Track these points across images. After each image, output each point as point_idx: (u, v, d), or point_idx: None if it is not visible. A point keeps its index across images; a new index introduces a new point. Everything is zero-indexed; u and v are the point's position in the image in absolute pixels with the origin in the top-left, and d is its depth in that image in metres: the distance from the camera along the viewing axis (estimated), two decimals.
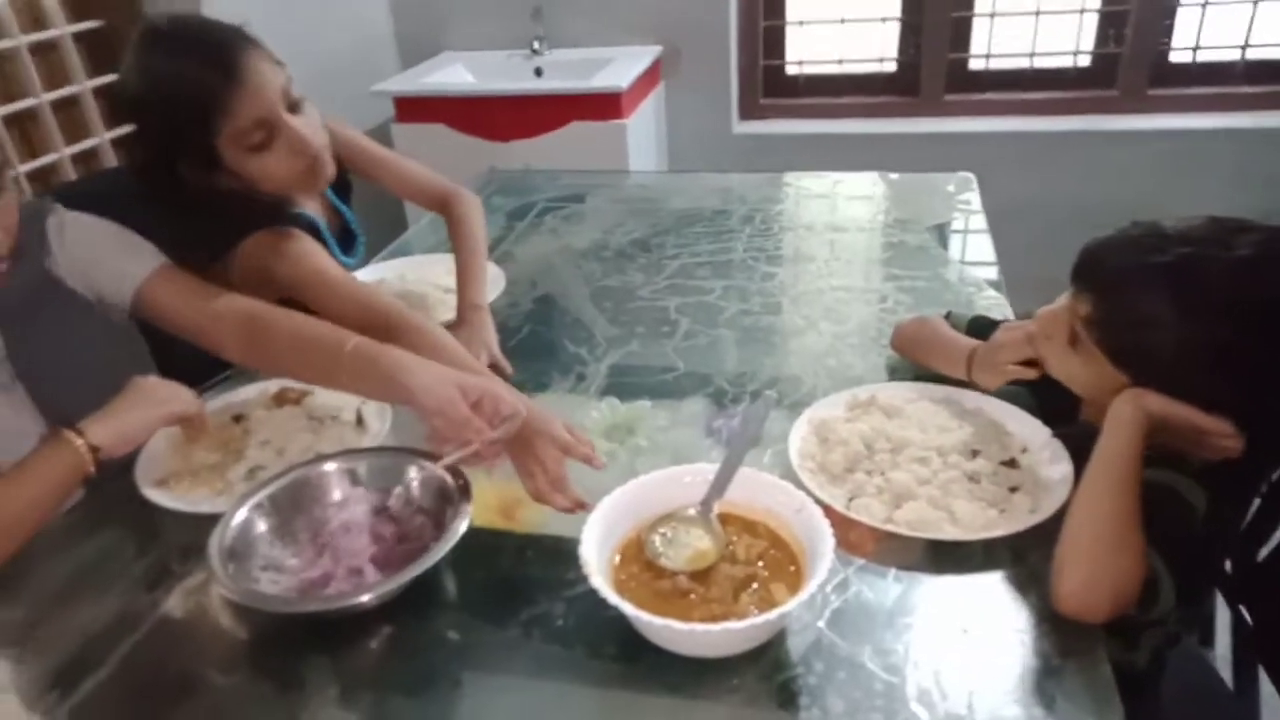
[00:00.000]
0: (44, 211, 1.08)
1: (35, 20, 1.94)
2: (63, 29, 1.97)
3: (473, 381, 0.85)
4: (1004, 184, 2.07)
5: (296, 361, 1.00)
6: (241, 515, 0.86)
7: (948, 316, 1.14)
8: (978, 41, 2.73)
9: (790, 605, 0.70)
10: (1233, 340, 0.78)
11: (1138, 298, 0.81)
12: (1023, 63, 2.72)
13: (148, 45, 1.07)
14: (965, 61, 2.77)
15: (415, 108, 2.53)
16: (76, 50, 2.00)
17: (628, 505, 0.83)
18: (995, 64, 2.76)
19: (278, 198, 1.19)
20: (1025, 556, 0.81)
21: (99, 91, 2.06)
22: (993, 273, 1.41)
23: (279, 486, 0.90)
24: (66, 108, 2.01)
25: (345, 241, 1.41)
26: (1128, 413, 0.80)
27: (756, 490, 0.84)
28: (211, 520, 0.85)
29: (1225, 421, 0.79)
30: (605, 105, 2.39)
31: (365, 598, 0.77)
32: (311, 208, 1.33)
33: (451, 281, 1.34)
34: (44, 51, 1.95)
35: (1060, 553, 0.76)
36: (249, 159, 1.10)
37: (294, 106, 1.12)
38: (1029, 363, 0.96)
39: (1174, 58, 2.60)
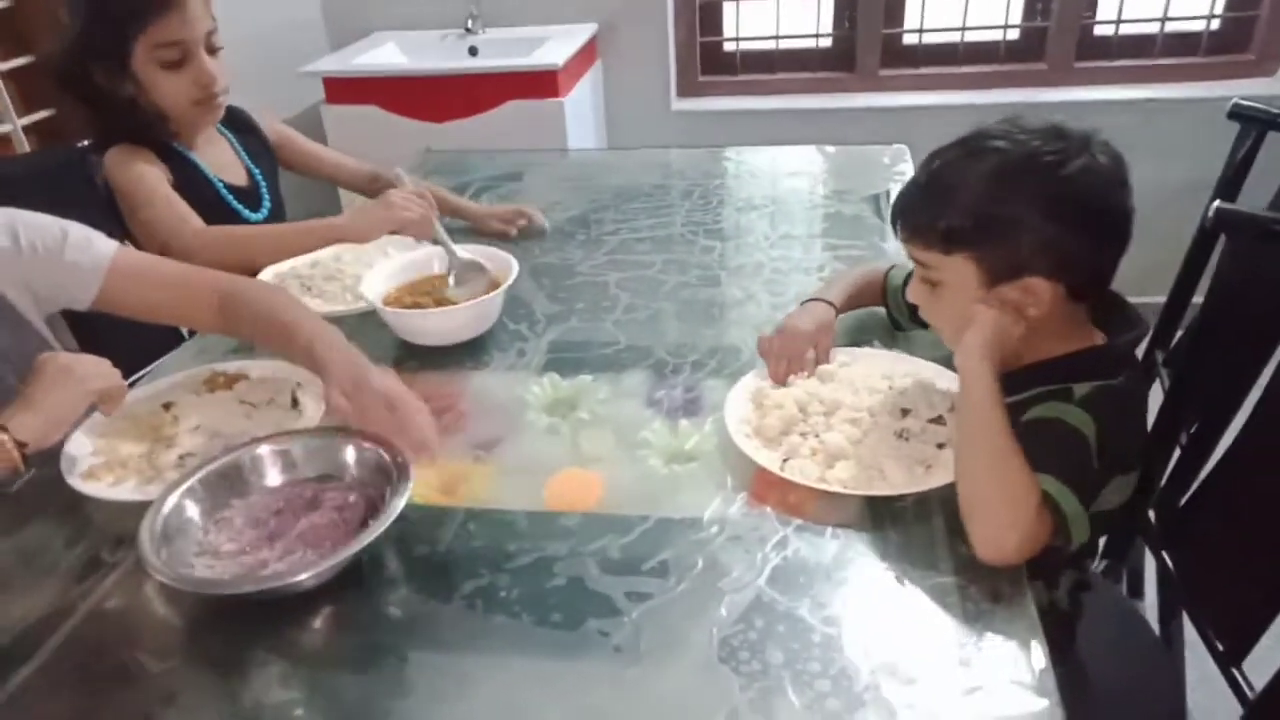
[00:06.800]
0: None
1: None
2: None
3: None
4: None
5: (260, 335, 1.09)
6: (173, 501, 0.84)
7: (890, 270, 1.16)
8: (910, 17, 2.77)
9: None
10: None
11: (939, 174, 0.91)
12: (955, 37, 2.76)
13: None
14: (899, 37, 2.80)
15: (346, 89, 2.47)
16: None
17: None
18: (928, 39, 2.80)
19: (166, 126, 1.38)
20: (955, 508, 0.83)
21: (9, 75, 1.97)
22: None
23: (211, 470, 0.88)
24: None
25: (252, 200, 1.53)
26: (969, 364, 0.84)
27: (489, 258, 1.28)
28: (143, 508, 0.83)
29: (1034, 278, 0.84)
30: (541, 83, 2.37)
31: (302, 577, 0.76)
32: (213, 159, 1.48)
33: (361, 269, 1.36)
34: None
35: (962, 508, 0.79)
36: (158, 74, 1.33)
37: (212, 51, 1.37)
38: None
39: (1098, 30, 2.66)
